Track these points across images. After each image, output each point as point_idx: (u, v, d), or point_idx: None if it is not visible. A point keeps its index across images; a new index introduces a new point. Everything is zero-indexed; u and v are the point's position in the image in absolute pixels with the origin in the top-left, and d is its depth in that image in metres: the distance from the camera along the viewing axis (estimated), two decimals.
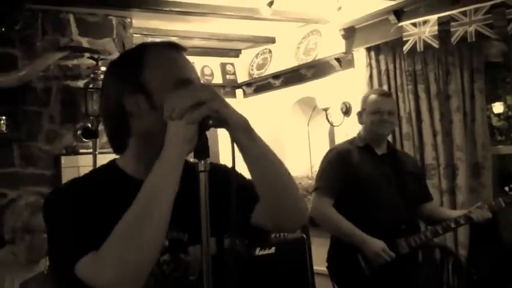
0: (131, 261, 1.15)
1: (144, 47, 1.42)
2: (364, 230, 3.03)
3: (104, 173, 1.43)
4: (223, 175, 1.39)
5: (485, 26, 3.87)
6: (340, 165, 3.16)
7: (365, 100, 3.27)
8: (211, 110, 1.19)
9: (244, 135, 1.27)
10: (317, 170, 3.36)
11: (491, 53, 4.34)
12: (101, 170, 1.45)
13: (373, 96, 3.25)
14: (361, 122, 3.30)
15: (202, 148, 1.19)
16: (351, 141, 3.34)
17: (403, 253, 3.06)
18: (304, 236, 4.19)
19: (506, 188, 3.09)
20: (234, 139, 1.26)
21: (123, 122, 1.37)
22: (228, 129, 1.25)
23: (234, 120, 1.24)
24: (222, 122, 1.22)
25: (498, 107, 4.49)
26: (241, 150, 1.28)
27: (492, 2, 3.83)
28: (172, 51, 1.39)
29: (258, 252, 3.64)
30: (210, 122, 1.20)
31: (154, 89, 1.33)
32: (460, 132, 4.18)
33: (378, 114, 3.15)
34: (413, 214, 3.24)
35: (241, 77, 6.56)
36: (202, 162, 1.17)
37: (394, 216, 3.09)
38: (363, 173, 3.13)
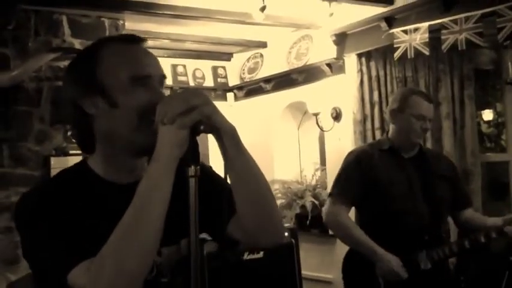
0: (130, 268, 1.15)
1: (99, 43, 1.37)
2: (384, 241, 2.79)
3: (76, 174, 1.38)
4: (207, 177, 1.39)
5: (476, 34, 3.91)
6: (358, 170, 2.91)
7: (406, 100, 2.88)
8: (203, 115, 1.19)
9: (231, 143, 1.27)
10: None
11: (481, 61, 4.38)
12: (71, 171, 1.40)
13: (418, 99, 2.87)
14: (393, 122, 2.94)
15: (193, 153, 1.19)
16: (373, 144, 3.14)
17: (425, 269, 2.79)
18: (293, 240, 4.20)
19: None
20: (221, 146, 1.26)
21: (84, 124, 1.35)
22: (217, 136, 1.26)
23: (224, 127, 1.24)
24: (213, 128, 1.23)
25: (488, 114, 4.53)
26: (227, 158, 1.27)
27: (483, 11, 3.87)
28: (128, 44, 1.35)
29: (246, 256, 3.62)
30: (202, 127, 1.20)
31: (110, 87, 1.31)
32: (449, 139, 4.22)
33: (421, 121, 2.84)
34: (439, 223, 2.95)
35: (233, 81, 6.58)
36: (192, 167, 1.17)
37: (416, 226, 2.81)
38: (382, 179, 2.87)
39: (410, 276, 2.76)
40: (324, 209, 3.04)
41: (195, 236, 1.16)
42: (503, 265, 3.68)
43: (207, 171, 1.49)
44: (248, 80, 6.36)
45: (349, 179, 2.93)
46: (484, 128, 4.58)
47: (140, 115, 1.29)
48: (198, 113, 1.18)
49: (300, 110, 5.99)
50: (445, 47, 4.06)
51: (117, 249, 1.16)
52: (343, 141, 5.10)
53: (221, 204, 1.36)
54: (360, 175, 2.89)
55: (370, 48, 4.81)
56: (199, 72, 6.42)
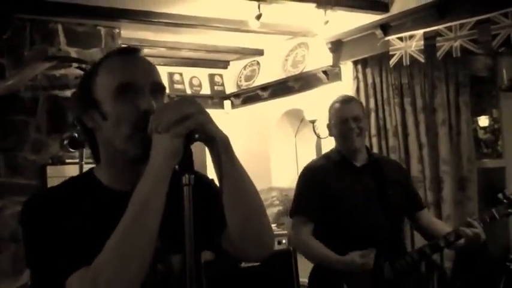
0: (127, 274, 1.16)
1: (100, 59, 1.40)
2: (345, 252, 2.74)
3: (81, 182, 1.41)
4: (206, 187, 1.40)
5: (470, 41, 3.93)
6: (314, 185, 2.89)
7: (330, 111, 2.96)
8: (197, 124, 1.19)
9: (225, 153, 1.26)
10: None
11: (476, 68, 4.40)
12: (78, 179, 1.44)
13: (337, 105, 2.93)
14: (331, 135, 3.01)
15: (187, 162, 1.19)
16: (327, 156, 3.05)
17: (388, 278, 2.76)
18: (291, 248, 4.19)
19: (500, 195, 2.82)
20: (214, 156, 1.26)
21: (89, 136, 1.40)
22: (210, 145, 1.26)
23: (218, 136, 1.25)
24: (207, 137, 1.23)
25: (484, 121, 4.54)
26: (219, 167, 1.27)
27: (477, 18, 3.89)
28: (121, 56, 1.37)
29: (244, 264, 3.60)
30: (196, 136, 1.20)
31: (101, 99, 1.33)
32: (445, 146, 4.23)
33: (346, 124, 2.85)
34: (397, 230, 2.96)
35: (230, 88, 6.59)
36: (187, 175, 1.17)
37: (375, 234, 2.79)
38: (339, 191, 2.85)
39: (376, 286, 2.74)
40: (289, 232, 3.03)
41: (190, 245, 1.16)
42: (500, 270, 3.68)
43: (205, 180, 1.49)
44: (245, 87, 6.37)
45: (307, 196, 2.92)
46: (480, 134, 4.58)
47: (131, 124, 1.29)
48: (193, 121, 1.18)
49: (296, 118, 5.99)
50: (440, 54, 4.08)
51: (112, 257, 1.16)
52: None
53: (215, 214, 1.36)
54: (317, 190, 2.88)
55: (366, 56, 4.83)
56: (196, 80, 6.44)
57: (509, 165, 4.13)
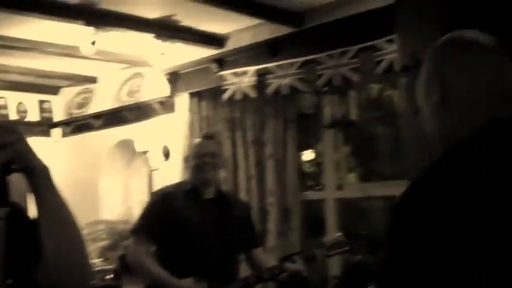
0: None
1: None
2: (180, 276, 2.84)
3: None
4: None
5: (298, 80, 4.19)
6: (161, 208, 3.02)
7: (190, 144, 3.28)
8: (15, 153, 1.13)
9: (44, 184, 1.20)
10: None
11: (303, 105, 4.68)
12: None
13: (196, 140, 3.22)
14: (186, 167, 3.25)
15: (1, 194, 1.11)
16: (179, 184, 3.25)
17: None
18: (117, 283, 4.08)
19: (324, 239, 3.10)
20: (33, 186, 1.20)
21: None
22: (28, 176, 1.19)
23: (38, 167, 1.18)
24: (25, 167, 1.16)
25: (309, 155, 4.82)
26: (37, 199, 1.21)
27: (304, 58, 4.16)
28: None
29: None
30: (13, 166, 1.13)
31: None
32: (272, 178, 4.40)
33: (199, 158, 3.02)
34: (234, 265, 3.09)
35: (60, 116, 6.33)
36: (1, 209, 1.10)
37: (211, 266, 2.91)
38: (184, 218, 2.98)
39: None
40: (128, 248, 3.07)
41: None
42: None
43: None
44: (77, 115, 6.17)
45: (152, 217, 3.02)
46: (306, 167, 4.85)
47: None
48: (10, 151, 1.12)
49: (129, 148, 5.90)
50: (270, 90, 4.29)
51: None
52: (172, 179, 5.10)
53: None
54: (161, 214, 2.99)
55: (201, 89, 4.93)
56: (23, 105, 6.11)
57: (329, 198, 4.40)
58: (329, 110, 4.35)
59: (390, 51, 3.64)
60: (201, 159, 3.01)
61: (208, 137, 3.17)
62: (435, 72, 1.19)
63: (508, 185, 0.97)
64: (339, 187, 4.42)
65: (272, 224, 4.37)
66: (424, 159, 2.05)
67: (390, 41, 3.60)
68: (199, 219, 2.99)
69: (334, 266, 4.16)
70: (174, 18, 4.40)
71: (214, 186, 3.10)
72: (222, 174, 4.63)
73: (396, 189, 3.88)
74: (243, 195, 4.53)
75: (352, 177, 4.77)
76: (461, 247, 0.95)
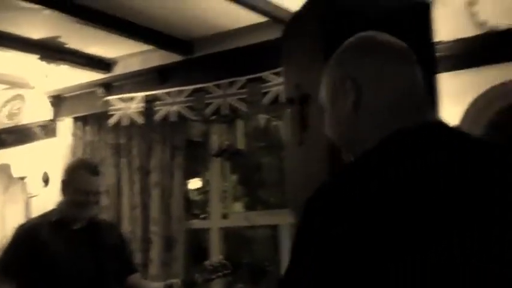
0: None
1: None
2: None
3: None
4: None
5: (187, 108, 4.18)
6: (24, 243, 2.80)
7: (71, 173, 2.90)
8: None
9: None
10: None
11: (192, 132, 4.67)
12: None
13: (83, 173, 2.88)
14: (63, 194, 2.92)
15: None
16: (45, 215, 2.98)
17: None
18: None
19: (206, 262, 3.06)
20: None
21: None
22: None
23: None
24: None
25: (196, 183, 4.80)
26: None
27: (194, 87, 4.17)
28: None
29: None
30: None
31: None
32: (157, 207, 4.33)
33: (81, 195, 2.83)
34: None
35: None
36: None
37: None
38: (52, 251, 2.78)
39: None
40: None
41: None
42: None
43: None
44: None
45: (14, 255, 2.82)
46: (193, 195, 4.83)
47: None
48: None
49: (6, 173, 5.59)
50: (157, 117, 4.25)
51: None
52: (51, 206, 4.88)
53: None
54: (25, 249, 2.80)
55: (86, 113, 4.79)
56: None
57: (214, 226, 4.39)
58: (217, 138, 4.36)
59: (277, 83, 3.74)
60: (85, 197, 2.83)
61: (95, 173, 2.94)
62: (345, 75, 1.10)
63: (405, 196, 0.93)
64: (225, 216, 4.42)
65: (155, 253, 4.28)
66: (305, 189, 2.10)
67: (277, 74, 3.70)
68: (68, 251, 2.81)
69: None
70: (60, 40, 4.26)
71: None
72: (105, 202, 4.54)
73: (280, 218, 4.04)
74: (126, 224, 4.42)
75: (238, 206, 4.81)
76: (362, 253, 0.91)
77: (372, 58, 1.10)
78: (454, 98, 2.88)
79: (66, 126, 4.90)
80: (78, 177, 2.86)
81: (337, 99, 1.12)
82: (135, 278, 3.11)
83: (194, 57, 4.28)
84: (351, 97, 1.08)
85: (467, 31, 3.20)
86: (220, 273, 3.01)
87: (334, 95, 1.13)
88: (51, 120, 5.02)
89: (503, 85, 3.10)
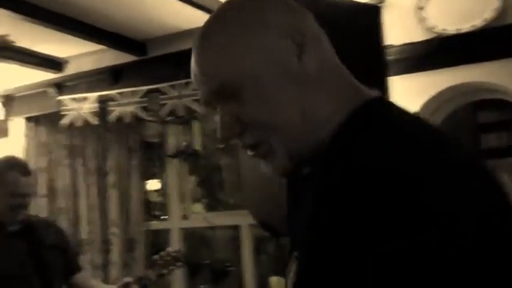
0: None
1: None
2: None
3: None
4: None
5: (142, 108, 4.10)
6: None
7: (2, 175, 2.71)
8: None
9: None
10: None
11: (148, 133, 4.59)
12: None
13: (16, 176, 2.70)
14: None
15: None
16: None
17: None
18: None
19: (156, 256, 2.93)
20: None
21: None
22: None
23: None
24: None
25: (155, 184, 4.73)
26: None
27: (148, 87, 4.08)
28: None
29: None
30: None
31: None
32: (115, 209, 4.28)
33: (13, 197, 2.68)
34: None
35: None
36: None
37: None
38: None
39: None
40: None
41: None
42: None
43: None
44: None
45: None
46: (153, 196, 4.76)
47: None
48: None
49: None
50: (112, 118, 4.15)
51: None
52: None
53: None
54: None
55: (38, 113, 4.67)
56: None
57: (174, 227, 4.34)
58: (173, 139, 4.30)
59: None
60: (16, 200, 2.69)
61: (27, 173, 2.77)
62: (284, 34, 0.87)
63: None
64: (184, 217, 4.37)
65: (115, 255, 4.24)
66: (260, 189, 2.05)
67: None
68: (7, 256, 2.70)
69: None
70: (9, 38, 4.12)
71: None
72: (61, 204, 4.44)
73: (240, 218, 4.00)
74: (84, 226, 4.35)
75: (198, 207, 4.76)
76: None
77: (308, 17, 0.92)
78: (405, 101, 2.86)
79: (18, 126, 4.78)
80: (11, 181, 2.70)
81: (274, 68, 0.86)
82: (82, 277, 3.02)
83: (148, 57, 4.21)
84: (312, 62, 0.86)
85: (416, 35, 3.20)
86: (172, 267, 2.92)
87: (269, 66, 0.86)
88: (2, 120, 4.88)
89: (451, 89, 3.12)
